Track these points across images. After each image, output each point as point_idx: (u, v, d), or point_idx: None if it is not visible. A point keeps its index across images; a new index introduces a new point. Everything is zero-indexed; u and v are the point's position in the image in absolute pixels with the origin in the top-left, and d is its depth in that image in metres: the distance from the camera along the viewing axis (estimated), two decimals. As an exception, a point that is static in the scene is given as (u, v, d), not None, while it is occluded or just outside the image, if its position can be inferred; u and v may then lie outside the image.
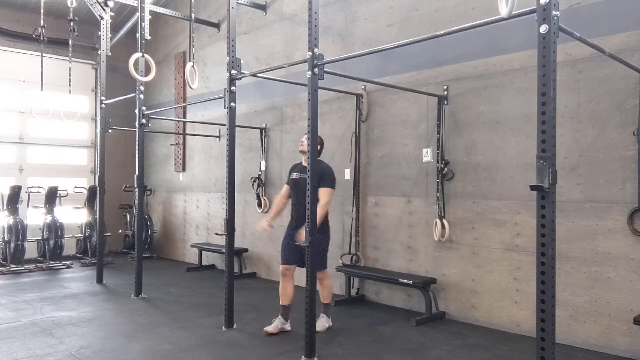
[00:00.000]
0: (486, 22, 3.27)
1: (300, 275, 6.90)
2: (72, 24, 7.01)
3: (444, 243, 5.36)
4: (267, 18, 7.61)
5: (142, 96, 6.33)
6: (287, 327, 4.81)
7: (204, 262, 8.53)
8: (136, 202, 7.20)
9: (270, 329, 4.73)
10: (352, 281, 6.13)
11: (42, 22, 7.22)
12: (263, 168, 7.59)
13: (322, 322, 4.86)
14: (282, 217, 7.31)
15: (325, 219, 4.69)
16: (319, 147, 4.59)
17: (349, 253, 6.13)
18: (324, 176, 4.58)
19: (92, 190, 8.99)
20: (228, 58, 4.97)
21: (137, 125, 6.38)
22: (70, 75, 7.69)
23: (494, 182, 5.01)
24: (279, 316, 4.81)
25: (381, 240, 6.02)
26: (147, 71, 5.90)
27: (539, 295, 2.72)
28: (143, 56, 5.83)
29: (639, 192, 4.07)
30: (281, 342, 4.53)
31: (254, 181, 7.55)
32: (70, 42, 7.48)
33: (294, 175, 4.88)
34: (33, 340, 4.55)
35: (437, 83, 5.46)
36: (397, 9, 5.85)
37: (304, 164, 4.55)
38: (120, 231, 10.00)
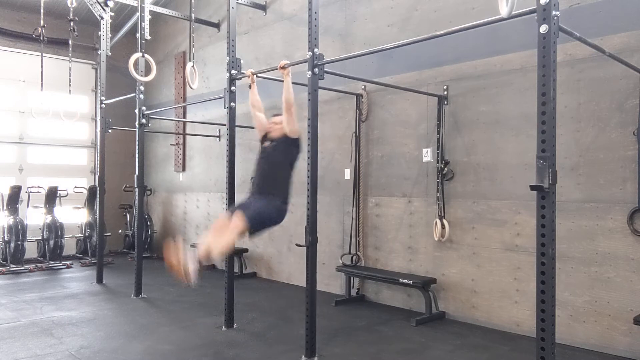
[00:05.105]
0: (486, 22, 3.27)
1: (300, 275, 6.95)
2: (72, 24, 7.01)
3: (444, 243, 5.36)
4: (267, 18, 7.61)
5: (142, 96, 6.33)
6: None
7: (204, 262, 8.51)
8: (136, 202, 7.21)
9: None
10: (352, 281, 6.13)
11: (42, 22, 7.22)
12: (263, 168, 7.58)
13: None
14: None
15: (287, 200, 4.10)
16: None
17: (349, 253, 6.13)
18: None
19: (92, 190, 8.99)
20: (228, 58, 4.97)
21: (137, 125, 6.38)
22: (70, 75, 7.68)
23: (494, 182, 5.01)
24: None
25: (382, 240, 6.01)
26: (147, 71, 5.90)
27: (539, 295, 2.72)
28: (143, 56, 5.84)
29: (639, 192, 4.08)
30: (281, 342, 4.53)
31: (254, 181, 7.54)
32: (70, 42, 7.48)
33: (266, 144, 4.41)
34: (33, 340, 4.56)
35: (437, 83, 5.46)
36: (397, 9, 5.85)
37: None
38: (120, 231, 10.00)
